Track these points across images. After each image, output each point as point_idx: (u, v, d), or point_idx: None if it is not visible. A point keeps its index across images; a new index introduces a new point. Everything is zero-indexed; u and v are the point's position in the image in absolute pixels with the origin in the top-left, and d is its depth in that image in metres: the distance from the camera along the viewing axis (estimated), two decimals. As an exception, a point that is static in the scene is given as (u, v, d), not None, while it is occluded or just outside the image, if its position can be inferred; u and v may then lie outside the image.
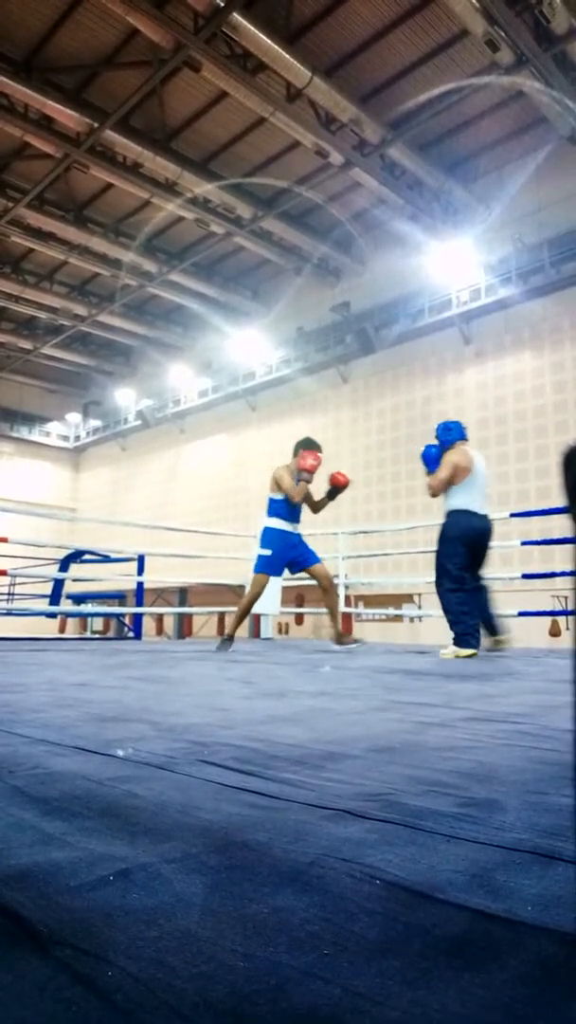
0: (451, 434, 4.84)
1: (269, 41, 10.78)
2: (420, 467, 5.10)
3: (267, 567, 5.06)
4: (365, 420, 17.68)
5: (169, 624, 21.64)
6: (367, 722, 1.70)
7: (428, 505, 15.23)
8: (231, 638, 5.29)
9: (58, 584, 9.91)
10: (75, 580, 10.78)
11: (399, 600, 14.88)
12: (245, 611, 5.24)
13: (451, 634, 4.68)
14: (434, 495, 4.78)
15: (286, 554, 5.09)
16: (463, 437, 4.84)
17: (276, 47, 10.87)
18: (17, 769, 1.12)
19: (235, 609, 8.64)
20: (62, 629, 16.70)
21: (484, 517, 4.74)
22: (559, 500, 0.55)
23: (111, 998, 0.45)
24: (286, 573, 5.30)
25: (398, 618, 13.92)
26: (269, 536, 5.08)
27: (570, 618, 12.17)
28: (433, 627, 5.34)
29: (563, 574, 7.36)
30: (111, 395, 25.64)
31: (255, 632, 10.13)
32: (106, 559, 9.86)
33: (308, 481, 5.12)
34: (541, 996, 0.46)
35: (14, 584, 11.06)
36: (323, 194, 15.44)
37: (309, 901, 0.61)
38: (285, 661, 4.07)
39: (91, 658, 4.20)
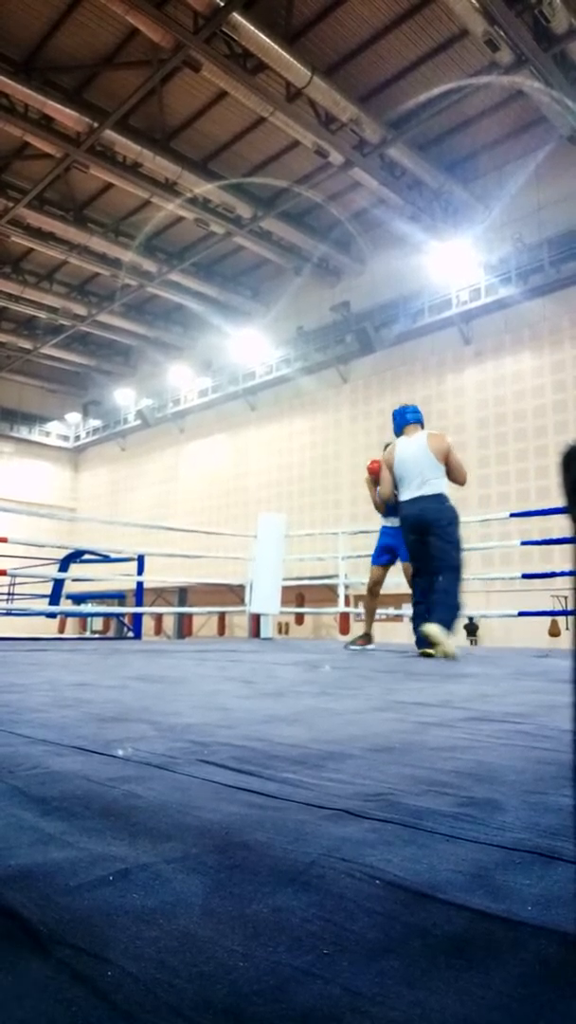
0: (395, 429, 4.93)
1: (269, 41, 10.78)
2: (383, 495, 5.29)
3: (373, 557, 5.45)
4: (365, 419, 17.69)
5: (169, 624, 21.64)
6: (367, 722, 1.70)
7: (428, 505, 15.25)
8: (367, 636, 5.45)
9: (58, 584, 9.91)
10: (75, 580, 10.78)
11: (399, 600, 14.85)
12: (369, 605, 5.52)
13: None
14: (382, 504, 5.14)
15: (384, 543, 5.39)
16: (398, 430, 4.86)
17: (276, 47, 10.87)
18: (17, 769, 1.11)
19: (235, 609, 8.67)
20: (62, 629, 16.70)
21: (411, 502, 4.58)
22: (559, 500, 0.55)
23: (111, 998, 0.45)
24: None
25: (398, 618, 13.91)
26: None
27: (570, 618, 12.18)
28: (432, 627, 5.28)
29: (563, 574, 7.36)
30: (111, 395, 25.64)
31: (254, 632, 10.13)
32: (106, 559, 9.85)
33: (374, 483, 5.45)
34: (541, 996, 0.46)
35: (14, 584, 11.05)
36: (323, 194, 15.44)
37: (309, 901, 0.61)
38: (284, 661, 4.07)
39: (91, 658, 4.20)
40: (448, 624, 4.14)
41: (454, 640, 4.16)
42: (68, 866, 0.68)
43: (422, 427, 4.84)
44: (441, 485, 4.53)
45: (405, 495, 4.64)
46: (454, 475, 4.62)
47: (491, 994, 0.46)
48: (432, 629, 4.06)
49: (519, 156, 14.71)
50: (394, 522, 5.24)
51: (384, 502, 5.13)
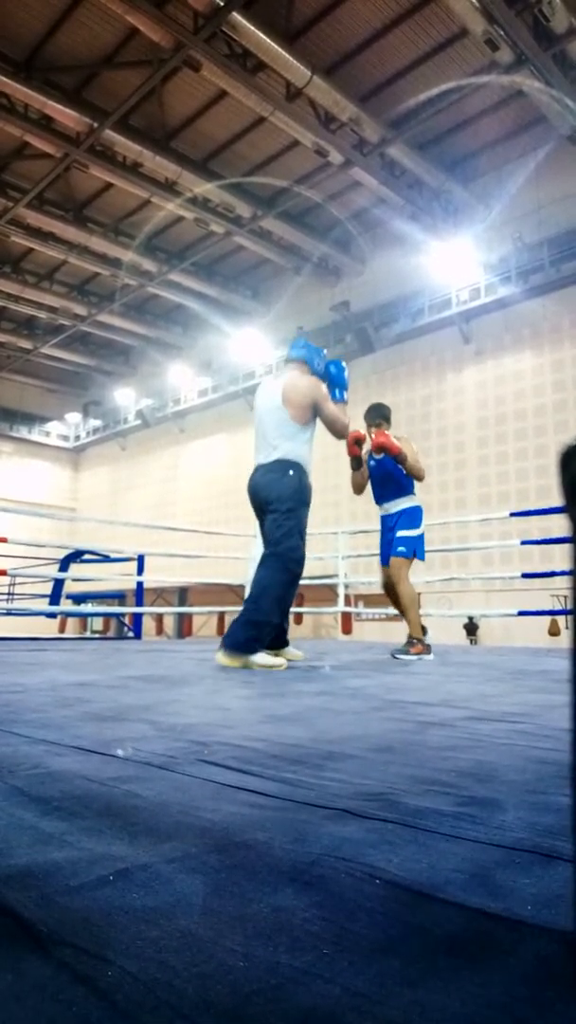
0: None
1: (269, 40, 10.78)
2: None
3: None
4: (365, 419, 17.68)
5: (169, 624, 21.64)
6: (367, 721, 1.70)
7: (429, 504, 15.27)
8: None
9: (58, 584, 9.91)
10: (75, 580, 10.78)
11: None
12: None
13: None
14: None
15: (383, 539, 4.55)
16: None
17: (276, 46, 10.87)
18: (17, 769, 1.11)
19: (235, 608, 8.67)
20: (62, 629, 16.71)
21: (254, 472, 3.55)
22: (559, 499, 0.55)
23: (111, 998, 0.45)
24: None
25: (397, 617, 13.94)
26: None
27: (569, 617, 12.18)
28: (433, 626, 5.32)
29: (562, 573, 7.36)
30: (111, 395, 25.63)
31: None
32: (106, 559, 9.85)
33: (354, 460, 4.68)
34: (541, 995, 0.46)
35: (14, 584, 11.06)
36: (323, 193, 15.44)
37: (309, 901, 0.61)
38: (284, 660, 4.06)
39: (91, 658, 4.20)
40: (240, 646, 3.24)
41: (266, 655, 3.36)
42: (68, 866, 0.68)
43: (307, 367, 3.66)
44: (289, 449, 3.44)
45: (255, 462, 3.57)
46: (330, 430, 3.59)
47: (491, 994, 0.46)
48: (219, 656, 3.23)
49: (519, 156, 14.70)
50: (386, 509, 4.61)
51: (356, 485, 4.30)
